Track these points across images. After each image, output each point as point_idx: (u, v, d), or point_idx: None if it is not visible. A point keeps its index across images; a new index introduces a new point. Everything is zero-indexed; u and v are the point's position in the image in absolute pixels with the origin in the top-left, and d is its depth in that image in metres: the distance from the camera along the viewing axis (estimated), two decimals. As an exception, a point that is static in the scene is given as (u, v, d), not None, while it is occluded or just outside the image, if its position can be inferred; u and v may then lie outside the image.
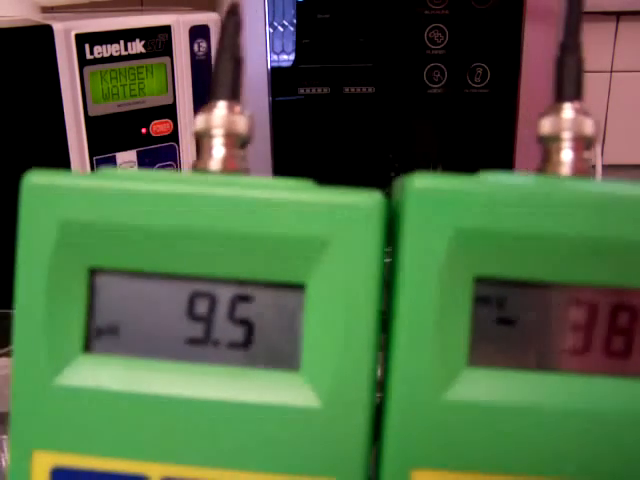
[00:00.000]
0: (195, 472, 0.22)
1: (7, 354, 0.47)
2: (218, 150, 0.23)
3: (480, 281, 0.22)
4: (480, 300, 0.22)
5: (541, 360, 0.22)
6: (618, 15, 0.69)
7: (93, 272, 0.22)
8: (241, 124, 0.23)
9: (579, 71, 0.24)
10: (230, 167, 0.23)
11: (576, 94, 0.24)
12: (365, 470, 0.22)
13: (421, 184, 0.21)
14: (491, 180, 0.22)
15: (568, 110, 0.24)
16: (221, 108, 0.23)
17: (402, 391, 0.21)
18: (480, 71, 0.59)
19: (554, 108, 0.24)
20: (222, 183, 0.22)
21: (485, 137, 0.60)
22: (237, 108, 0.23)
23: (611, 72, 0.71)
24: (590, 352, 0.22)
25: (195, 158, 0.23)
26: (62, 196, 0.22)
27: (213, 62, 0.23)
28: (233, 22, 0.23)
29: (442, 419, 0.21)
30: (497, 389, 0.22)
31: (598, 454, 0.21)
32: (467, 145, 0.59)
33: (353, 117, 0.60)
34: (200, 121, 0.23)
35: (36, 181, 0.22)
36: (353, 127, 0.61)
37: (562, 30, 0.24)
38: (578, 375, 0.22)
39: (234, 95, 0.23)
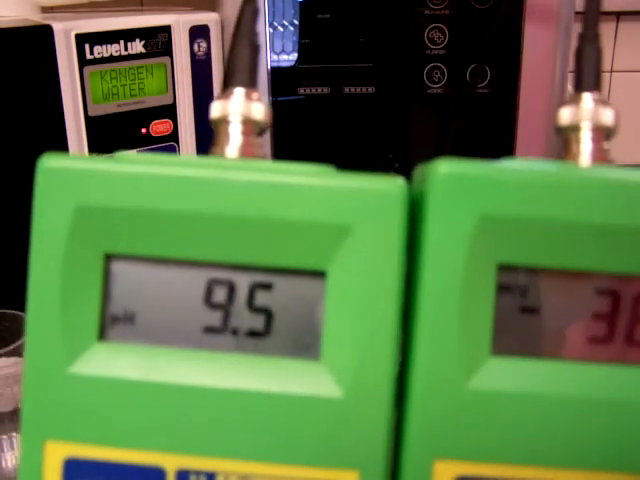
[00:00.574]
0: (212, 464, 0.21)
1: (7, 354, 0.47)
2: (235, 137, 0.23)
3: (504, 269, 0.22)
4: (503, 288, 0.22)
5: (564, 349, 0.22)
6: (618, 15, 0.69)
7: (109, 258, 0.22)
8: (259, 111, 0.23)
9: (598, 62, 0.24)
10: (248, 154, 0.23)
11: (595, 84, 0.24)
12: (387, 461, 0.21)
13: (446, 169, 0.21)
14: (515, 166, 0.22)
15: (587, 100, 0.23)
16: (238, 95, 0.23)
17: (425, 380, 0.21)
18: (480, 71, 0.59)
19: (573, 98, 0.24)
20: (242, 167, 0.21)
21: (485, 137, 0.60)
22: (255, 95, 0.23)
23: (611, 72, 0.71)
24: (614, 341, 0.22)
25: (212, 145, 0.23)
26: (78, 180, 0.21)
27: (228, 49, 0.23)
28: (250, 8, 0.23)
29: (465, 408, 0.21)
30: (521, 378, 0.21)
31: (623, 445, 0.21)
32: (467, 145, 0.59)
33: (353, 117, 0.60)
34: (217, 108, 0.23)
35: (51, 165, 0.21)
36: (353, 127, 0.61)
37: (582, 22, 0.24)
38: (602, 364, 0.22)
39: (251, 82, 0.23)
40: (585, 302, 0.22)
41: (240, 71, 0.23)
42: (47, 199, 0.21)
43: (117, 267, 0.22)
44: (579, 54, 0.24)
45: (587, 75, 0.24)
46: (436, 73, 0.59)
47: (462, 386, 0.21)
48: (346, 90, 0.60)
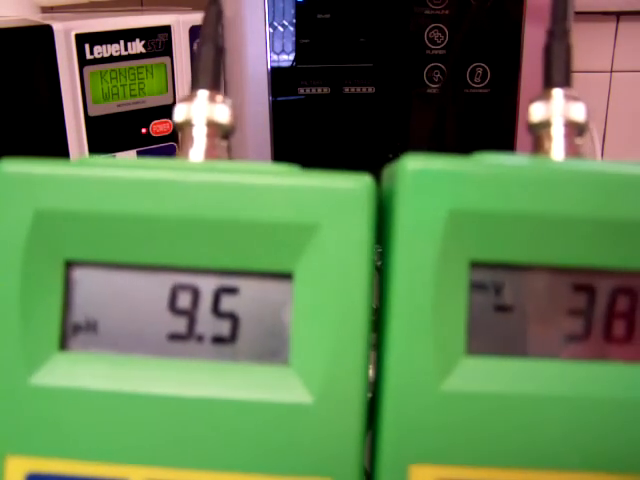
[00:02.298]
0: (180, 475, 0.21)
1: None
2: (199, 140, 0.22)
3: (476, 266, 0.21)
4: (477, 286, 0.21)
5: (541, 347, 0.21)
6: (618, 15, 0.68)
7: (69, 265, 0.21)
8: (223, 113, 0.23)
9: (568, 58, 0.23)
10: (212, 157, 0.22)
11: (565, 81, 0.23)
12: (360, 468, 0.21)
13: (414, 165, 0.21)
14: (487, 160, 0.21)
15: (558, 96, 0.23)
16: (202, 97, 0.23)
17: (398, 383, 0.21)
18: (480, 71, 0.58)
19: (543, 95, 0.23)
20: (204, 169, 0.21)
21: (485, 137, 0.60)
22: (218, 97, 0.23)
23: (611, 72, 0.70)
24: (591, 338, 0.21)
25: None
26: (36, 184, 0.21)
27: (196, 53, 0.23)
28: (214, 11, 0.23)
29: (440, 411, 0.21)
30: (496, 378, 0.21)
31: (602, 444, 0.21)
32: (467, 145, 0.59)
33: (353, 117, 0.60)
34: (180, 111, 0.23)
35: (9, 169, 0.21)
36: (353, 127, 0.60)
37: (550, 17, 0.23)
38: (579, 362, 0.21)
39: (215, 84, 0.23)
40: (561, 298, 0.21)
41: (203, 73, 0.23)
42: (5, 205, 0.21)
43: (78, 274, 0.21)
44: (548, 51, 0.23)
45: (557, 71, 0.23)
46: (436, 73, 0.59)
47: (436, 388, 0.21)
48: (346, 90, 0.59)
